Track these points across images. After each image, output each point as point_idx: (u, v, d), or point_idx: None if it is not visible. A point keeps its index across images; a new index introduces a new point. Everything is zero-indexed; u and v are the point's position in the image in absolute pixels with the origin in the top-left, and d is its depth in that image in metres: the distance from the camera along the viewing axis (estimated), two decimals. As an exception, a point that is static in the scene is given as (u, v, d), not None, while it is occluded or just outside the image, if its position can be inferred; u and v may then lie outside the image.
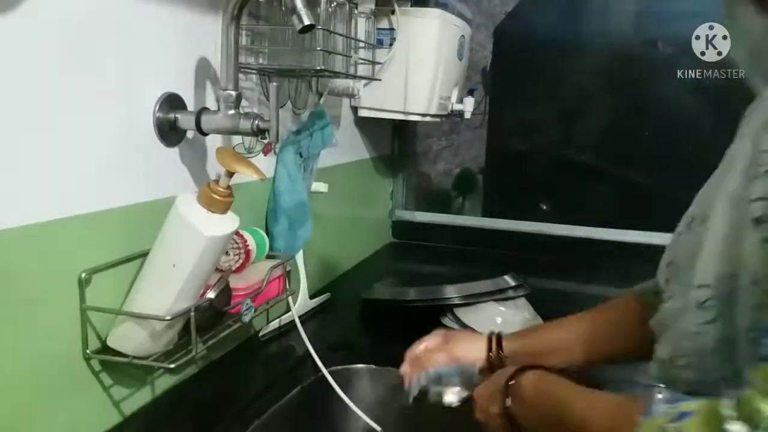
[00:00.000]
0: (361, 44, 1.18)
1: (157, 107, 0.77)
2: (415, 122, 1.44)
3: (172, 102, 0.79)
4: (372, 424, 0.87)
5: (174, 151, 0.82)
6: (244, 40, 0.91)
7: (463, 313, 1.11)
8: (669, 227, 0.65)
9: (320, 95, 1.16)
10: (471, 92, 1.48)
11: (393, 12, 1.28)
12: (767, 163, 0.44)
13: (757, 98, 0.55)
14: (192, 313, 0.72)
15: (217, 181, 0.70)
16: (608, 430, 0.53)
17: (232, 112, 0.78)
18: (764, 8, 0.47)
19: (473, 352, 0.81)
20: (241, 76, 0.87)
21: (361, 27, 1.19)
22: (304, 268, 1.13)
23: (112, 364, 0.74)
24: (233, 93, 0.77)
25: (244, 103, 0.89)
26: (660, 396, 0.48)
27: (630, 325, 0.74)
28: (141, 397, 0.81)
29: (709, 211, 0.53)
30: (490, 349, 0.81)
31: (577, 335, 0.80)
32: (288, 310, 1.05)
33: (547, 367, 0.70)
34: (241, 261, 0.89)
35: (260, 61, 0.97)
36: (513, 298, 1.13)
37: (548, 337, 0.82)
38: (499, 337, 0.82)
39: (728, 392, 0.44)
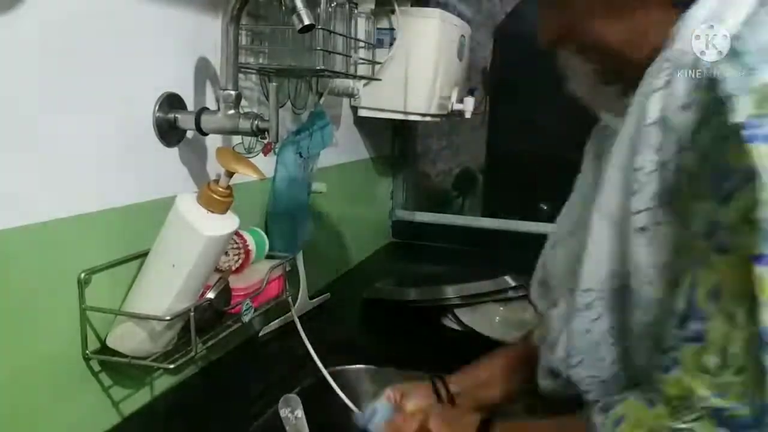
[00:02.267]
0: (361, 44, 1.18)
1: (157, 107, 0.77)
2: (415, 122, 1.44)
3: (171, 102, 0.79)
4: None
5: (174, 151, 0.82)
6: (244, 39, 0.91)
7: (463, 314, 1.10)
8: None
9: (320, 95, 1.16)
10: (471, 92, 1.48)
11: (393, 12, 1.28)
12: (641, 180, 0.51)
13: (600, 123, 0.68)
14: (191, 314, 0.72)
15: (216, 181, 0.70)
16: None
17: (231, 111, 0.77)
18: (588, 59, 0.59)
19: (423, 401, 0.79)
20: (240, 75, 0.87)
21: (361, 27, 1.18)
22: (303, 268, 1.13)
23: (111, 365, 0.74)
24: (233, 93, 0.77)
25: (243, 102, 0.89)
26: (597, 407, 0.55)
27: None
28: (140, 398, 0.81)
29: (577, 229, 0.63)
30: (438, 395, 0.80)
31: (507, 368, 0.82)
32: (288, 310, 1.05)
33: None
34: (240, 261, 0.88)
35: (260, 60, 0.97)
36: (513, 298, 1.13)
37: (482, 371, 0.83)
38: (444, 381, 0.82)
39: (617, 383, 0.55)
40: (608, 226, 0.56)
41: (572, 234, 0.67)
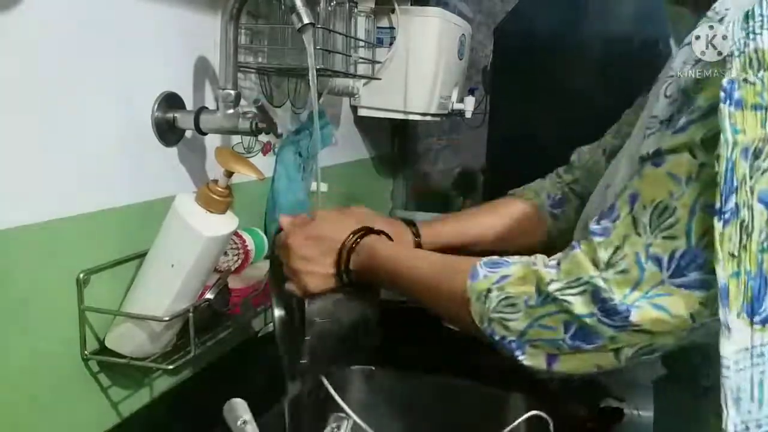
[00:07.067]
0: (361, 43, 1.17)
1: (156, 106, 0.77)
2: (416, 122, 1.44)
3: (170, 101, 0.79)
4: (366, 428, 0.86)
5: (173, 151, 0.82)
6: (243, 38, 0.91)
7: (463, 314, 1.10)
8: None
9: (320, 95, 1.16)
10: (471, 91, 1.47)
11: (393, 11, 1.28)
12: (654, 125, 0.53)
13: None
14: (190, 314, 0.71)
15: (216, 181, 0.70)
16: (436, 280, 0.62)
17: (231, 111, 0.77)
18: (696, 8, 0.58)
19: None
20: (240, 75, 0.86)
21: (361, 26, 1.18)
22: (303, 268, 1.12)
23: (110, 365, 0.74)
24: (232, 92, 0.77)
25: (243, 102, 0.88)
26: (483, 260, 0.58)
27: (529, 220, 0.87)
28: (139, 399, 0.80)
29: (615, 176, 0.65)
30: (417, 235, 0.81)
31: (491, 228, 0.87)
32: (287, 310, 1.05)
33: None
34: (240, 261, 0.88)
35: (259, 60, 0.96)
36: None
37: (463, 228, 0.86)
38: (414, 224, 0.83)
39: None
40: (627, 168, 0.61)
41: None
